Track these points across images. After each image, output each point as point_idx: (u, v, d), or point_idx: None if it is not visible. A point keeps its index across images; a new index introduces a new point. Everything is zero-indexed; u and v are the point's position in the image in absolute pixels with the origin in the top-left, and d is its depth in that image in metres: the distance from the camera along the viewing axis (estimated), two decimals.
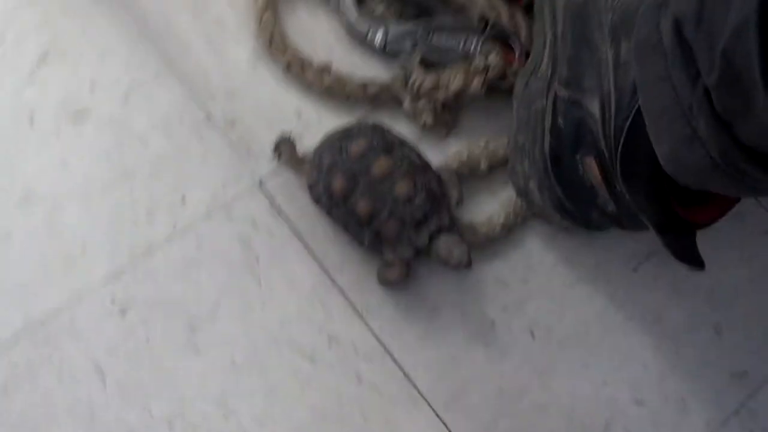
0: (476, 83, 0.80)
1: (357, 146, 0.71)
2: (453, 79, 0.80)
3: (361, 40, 0.83)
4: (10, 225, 0.73)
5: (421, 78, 0.80)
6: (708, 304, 0.77)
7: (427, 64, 0.81)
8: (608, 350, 0.75)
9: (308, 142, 0.78)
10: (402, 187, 0.70)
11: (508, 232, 0.78)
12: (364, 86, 0.81)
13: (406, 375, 0.72)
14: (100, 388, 0.69)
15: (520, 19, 0.81)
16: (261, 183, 0.76)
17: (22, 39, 0.78)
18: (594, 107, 0.66)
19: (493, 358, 0.73)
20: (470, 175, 0.80)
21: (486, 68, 0.80)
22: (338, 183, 0.71)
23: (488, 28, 0.82)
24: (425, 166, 0.73)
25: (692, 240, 0.66)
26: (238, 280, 0.73)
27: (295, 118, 0.80)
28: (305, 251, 0.75)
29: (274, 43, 0.81)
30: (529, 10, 0.83)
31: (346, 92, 0.80)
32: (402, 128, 0.80)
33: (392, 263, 0.73)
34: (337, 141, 0.73)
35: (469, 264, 0.71)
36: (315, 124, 0.80)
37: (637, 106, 0.62)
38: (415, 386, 0.72)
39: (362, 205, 0.70)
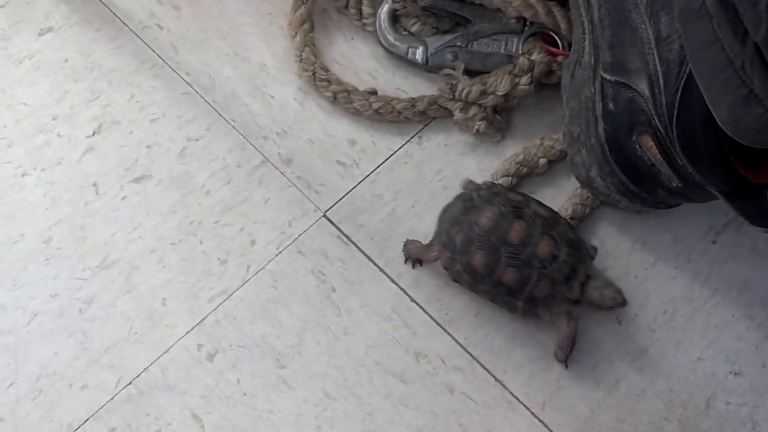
0: (524, 83, 0.80)
1: (486, 218, 0.70)
2: (500, 83, 0.80)
3: (402, 60, 0.83)
4: (92, 292, 0.74)
5: (468, 86, 0.80)
6: None
7: (471, 73, 0.81)
8: (699, 326, 0.73)
9: (366, 166, 0.78)
10: (544, 247, 0.69)
11: (579, 222, 0.77)
12: (413, 103, 0.81)
13: (498, 380, 0.71)
14: None
15: (558, 12, 0.81)
16: (326, 215, 0.77)
17: (74, 114, 0.81)
18: (643, 86, 0.66)
19: (583, 351, 0.72)
20: (531, 174, 0.79)
21: (531, 66, 0.80)
22: (478, 259, 0.69)
23: (527, 26, 0.82)
24: (554, 215, 0.71)
25: (764, 202, 0.64)
26: (318, 312, 0.73)
27: (349, 147, 0.80)
28: (379, 274, 0.75)
29: (318, 77, 0.82)
30: (564, 2, 0.83)
31: (395, 112, 0.81)
32: (456, 138, 0.80)
33: (560, 322, 0.71)
34: (463, 216, 0.71)
35: (624, 303, 0.70)
36: (370, 149, 0.80)
37: (684, 78, 0.61)
38: (508, 390, 0.71)
39: (510, 275, 0.68)
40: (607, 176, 0.71)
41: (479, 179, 0.78)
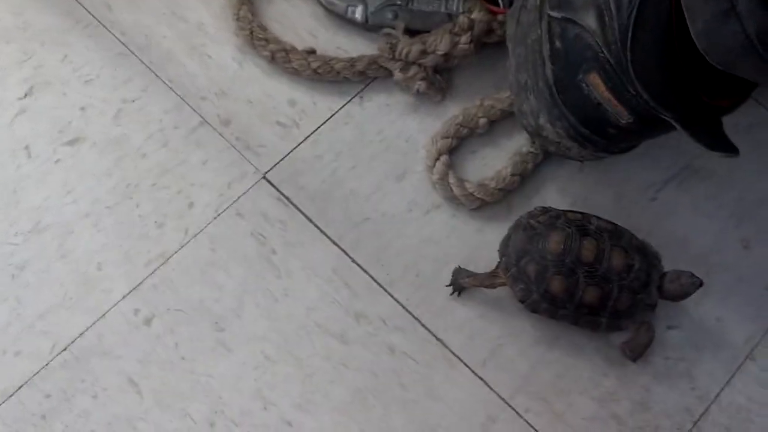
0: (464, 42, 0.80)
1: (555, 242, 0.68)
2: (440, 42, 0.79)
3: (342, 19, 0.82)
4: (24, 257, 0.73)
5: (408, 46, 0.79)
6: (732, 220, 0.76)
7: (411, 32, 0.80)
8: None
9: (307, 127, 0.77)
10: (618, 259, 0.68)
11: (521, 180, 0.77)
12: (352, 63, 0.80)
13: (439, 339, 0.71)
14: (136, 400, 0.69)
15: None
16: (265, 177, 0.76)
17: (5, 76, 0.79)
18: (590, 20, 0.65)
19: (523, 308, 0.72)
20: (472, 134, 0.78)
21: (471, 25, 0.80)
22: (557, 285, 0.67)
23: None
24: (615, 226, 0.70)
25: (720, 128, 0.64)
26: (258, 275, 0.73)
27: (289, 107, 0.79)
28: (320, 235, 0.74)
29: (255, 36, 0.81)
30: None
31: (334, 72, 0.80)
32: (397, 98, 0.79)
33: (641, 330, 0.70)
34: (529, 245, 0.68)
35: (702, 282, 0.69)
36: (310, 109, 0.79)
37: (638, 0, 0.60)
38: (449, 348, 0.71)
39: (592, 294, 0.67)
40: (557, 120, 0.70)
41: (420, 140, 0.78)
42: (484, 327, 0.72)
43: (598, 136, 0.69)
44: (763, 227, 0.76)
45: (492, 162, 0.78)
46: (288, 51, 0.80)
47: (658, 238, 0.73)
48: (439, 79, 0.80)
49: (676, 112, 0.62)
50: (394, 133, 0.79)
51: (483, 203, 0.76)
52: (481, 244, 0.75)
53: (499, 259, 0.70)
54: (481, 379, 0.70)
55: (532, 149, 0.78)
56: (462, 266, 0.72)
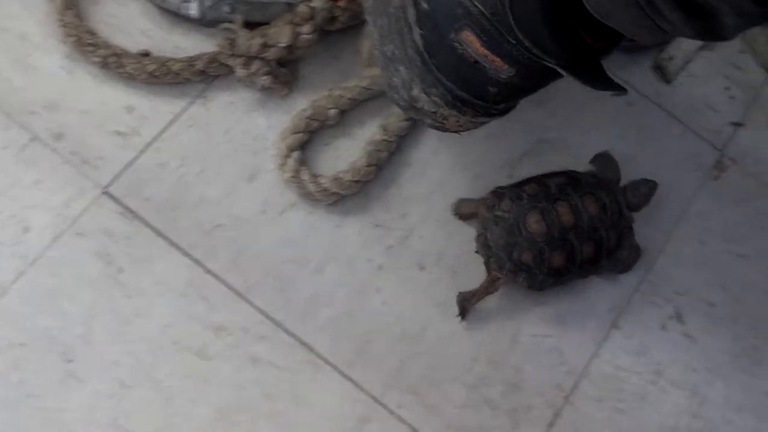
0: (306, 32, 0.77)
1: (536, 224, 0.69)
2: (281, 34, 0.76)
3: (177, 16, 0.78)
4: None
5: (248, 40, 0.76)
6: None
7: (251, 25, 0.77)
8: None
9: (148, 133, 0.74)
10: (593, 207, 0.70)
11: (377, 170, 0.75)
12: (191, 62, 0.77)
13: (303, 343, 0.69)
14: None
15: None
16: (106, 191, 0.72)
17: None
18: None
19: (387, 302, 0.71)
20: (323, 127, 0.76)
21: (312, 14, 0.77)
22: (558, 259, 0.69)
23: None
24: (566, 174, 0.73)
25: (602, 69, 0.62)
26: (106, 297, 0.69)
27: (126, 114, 0.75)
28: (170, 247, 0.71)
29: (84, 42, 0.76)
30: None
31: (172, 74, 0.76)
32: (242, 95, 0.76)
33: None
34: (511, 237, 0.69)
35: (656, 184, 0.74)
36: (150, 114, 0.75)
37: None
38: (315, 352, 0.69)
39: (589, 250, 0.70)
40: (432, 88, 0.65)
41: (270, 137, 0.75)
42: (348, 326, 0.70)
43: (477, 99, 0.65)
44: None
45: (346, 153, 0.76)
46: (120, 55, 0.76)
47: None
48: (284, 72, 0.78)
49: (560, 57, 0.60)
50: (241, 132, 0.76)
51: (339, 197, 0.74)
52: (341, 239, 0.73)
53: (485, 262, 0.70)
54: (350, 379, 0.68)
55: (385, 137, 0.76)
56: (460, 291, 0.71)
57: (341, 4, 0.78)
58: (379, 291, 0.72)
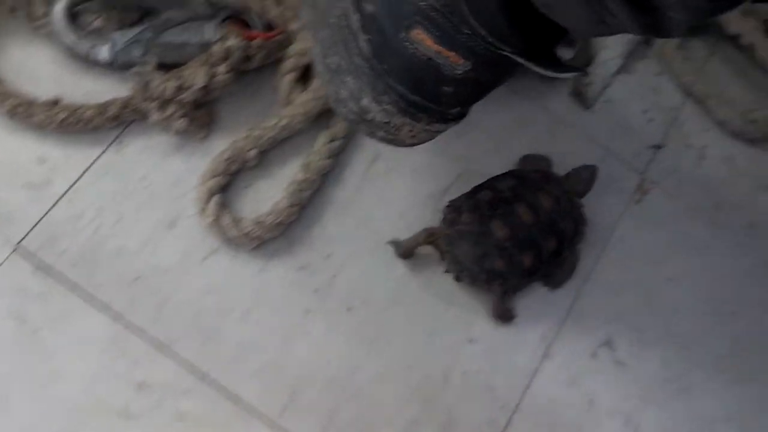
0: (222, 72, 0.76)
1: (500, 229, 0.70)
2: (196, 75, 0.75)
3: (87, 61, 0.75)
4: None
5: (162, 83, 0.74)
6: None
7: (165, 67, 0.75)
8: (430, 299, 0.73)
9: (61, 184, 0.72)
10: (547, 202, 0.72)
11: (300, 210, 0.74)
12: (103, 109, 0.75)
13: (231, 394, 0.67)
14: None
15: None
16: (19, 246, 0.69)
17: None
18: None
19: (316, 346, 0.69)
20: (243, 169, 0.75)
21: (227, 54, 0.76)
22: (529, 260, 0.70)
23: (218, 12, 0.77)
24: (514, 175, 0.74)
25: (557, 57, 0.62)
26: (21, 360, 0.66)
27: (38, 166, 0.73)
28: (88, 302, 0.68)
29: None
30: None
31: (84, 121, 0.74)
32: (158, 139, 0.75)
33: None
34: (479, 248, 0.70)
35: (596, 167, 0.77)
36: (63, 164, 0.73)
37: None
38: (243, 403, 0.67)
39: (553, 244, 0.72)
40: (383, 95, 0.63)
41: (189, 181, 0.73)
42: (278, 373, 0.68)
43: (430, 102, 0.63)
44: None
45: (268, 195, 0.74)
46: (29, 104, 0.74)
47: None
48: (200, 114, 0.76)
49: (516, 45, 0.59)
50: (159, 178, 0.74)
51: (263, 241, 0.72)
52: (266, 284, 0.71)
53: (455, 277, 0.71)
54: (282, 428, 0.67)
55: (307, 176, 0.75)
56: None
57: (256, 42, 0.76)
58: (308, 335, 0.70)
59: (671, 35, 0.52)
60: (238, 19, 0.78)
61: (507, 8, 0.57)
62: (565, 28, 0.59)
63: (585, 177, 0.75)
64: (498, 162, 0.76)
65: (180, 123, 0.75)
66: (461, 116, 0.66)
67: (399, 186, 0.76)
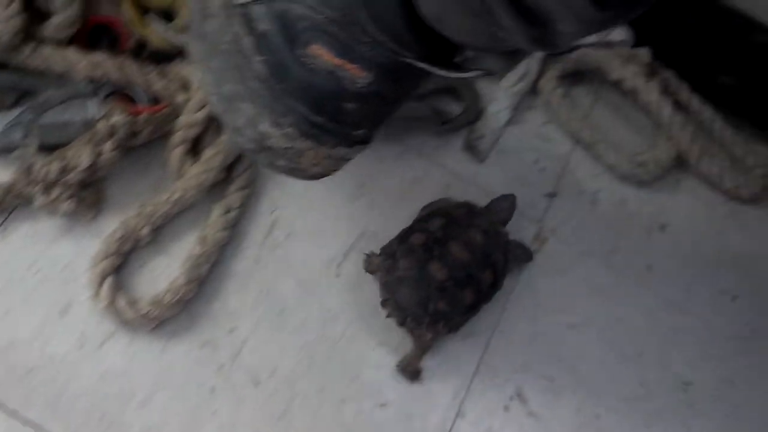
0: (107, 150, 0.74)
1: (438, 271, 0.70)
2: (81, 155, 0.73)
3: None
4: None
5: (45, 165, 0.71)
6: None
7: (51, 148, 0.73)
8: (337, 365, 0.72)
9: None
10: (477, 236, 0.72)
11: (199, 286, 0.72)
12: None
13: None
14: None
15: (130, 66, 0.75)
16: None
17: None
18: None
19: (224, 426, 0.67)
20: (137, 247, 0.72)
21: (113, 131, 0.74)
22: (470, 296, 0.71)
23: (100, 88, 0.75)
24: (441, 212, 0.75)
25: (458, 62, 0.61)
26: None
27: None
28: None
29: None
30: (137, 54, 0.77)
31: None
32: (45, 224, 0.72)
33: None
34: (419, 291, 0.70)
35: (514, 196, 0.78)
36: None
37: None
38: None
39: (489, 276, 0.72)
40: (283, 117, 0.60)
41: (80, 264, 0.70)
42: None
43: (333, 122, 0.61)
44: None
45: (164, 272, 0.72)
46: None
47: (349, 313, 0.71)
48: (88, 195, 0.74)
49: (417, 51, 0.58)
50: (48, 263, 0.71)
51: (161, 321, 0.70)
52: (168, 365, 0.69)
53: (399, 323, 0.70)
54: None
55: (204, 249, 0.73)
56: (398, 362, 0.72)
57: (142, 117, 0.75)
58: (215, 414, 0.68)
59: (559, 49, 0.53)
60: (122, 94, 0.77)
61: (407, 14, 0.57)
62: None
63: (505, 206, 0.77)
64: (396, 222, 0.76)
65: (67, 205, 0.72)
66: (366, 140, 0.64)
67: (298, 252, 0.75)
